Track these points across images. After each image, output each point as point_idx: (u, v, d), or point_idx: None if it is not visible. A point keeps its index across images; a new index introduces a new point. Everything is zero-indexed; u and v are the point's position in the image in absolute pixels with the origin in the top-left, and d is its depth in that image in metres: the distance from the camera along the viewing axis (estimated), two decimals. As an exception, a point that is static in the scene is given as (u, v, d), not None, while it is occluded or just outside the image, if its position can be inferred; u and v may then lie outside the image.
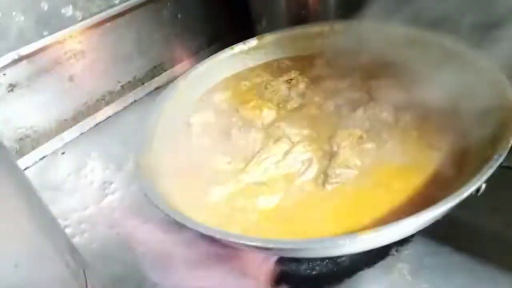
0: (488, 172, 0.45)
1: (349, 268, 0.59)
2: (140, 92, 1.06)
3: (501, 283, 0.54)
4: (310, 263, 0.60)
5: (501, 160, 0.46)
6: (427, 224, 0.46)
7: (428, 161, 0.56)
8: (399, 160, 0.57)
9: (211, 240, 0.48)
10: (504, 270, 0.55)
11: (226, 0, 1.17)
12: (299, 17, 0.95)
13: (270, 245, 0.42)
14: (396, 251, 0.60)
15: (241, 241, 0.43)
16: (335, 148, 0.59)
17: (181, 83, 0.75)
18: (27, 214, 0.35)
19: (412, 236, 0.61)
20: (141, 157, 0.60)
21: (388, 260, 0.59)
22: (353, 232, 0.42)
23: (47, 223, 0.39)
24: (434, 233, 0.61)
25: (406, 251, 0.60)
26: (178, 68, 1.09)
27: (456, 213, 0.61)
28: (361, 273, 0.58)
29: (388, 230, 0.42)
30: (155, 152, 0.63)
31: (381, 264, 0.59)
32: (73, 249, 0.44)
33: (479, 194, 0.47)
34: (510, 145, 0.48)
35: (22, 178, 0.39)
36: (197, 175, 0.62)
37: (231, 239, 0.43)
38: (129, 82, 1.04)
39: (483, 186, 0.47)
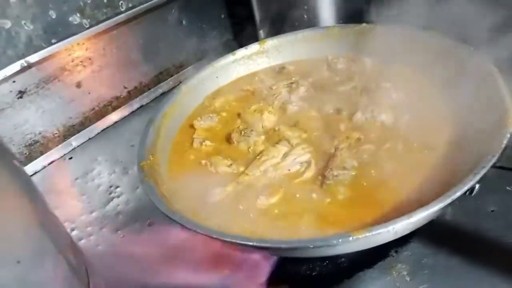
0: (480, 172, 0.45)
1: (349, 269, 0.60)
2: (146, 97, 1.08)
3: (499, 285, 0.54)
4: (310, 264, 0.61)
5: (494, 160, 0.47)
6: (421, 224, 0.47)
7: (424, 162, 0.57)
8: (396, 161, 0.58)
9: (210, 240, 0.49)
10: (502, 272, 0.55)
11: (230, 7, 1.19)
12: (302, 23, 0.97)
13: (265, 245, 0.43)
14: (396, 252, 0.61)
15: (237, 241, 0.44)
16: (333, 150, 0.60)
17: (183, 88, 0.76)
18: (29, 212, 0.37)
19: (412, 237, 0.62)
20: (144, 160, 0.61)
21: (388, 261, 0.60)
22: (349, 231, 0.43)
23: (49, 221, 0.41)
24: (433, 234, 0.61)
25: (406, 252, 0.60)
26: (183, 74, 1.11)
27: (455, 215, 0.63)
28: (360, 273, 0.59)
29: (381, 230, 0.42)
30: (158, 154, 0.65)
31: (380, 264, 0.59)
32: (75, 248, 0.46)
33: (473, 194, 0.47)
34: (503, 146, 0.48)
35: (25, 178, 0.40)
36: (198, 177, 0.63)
37: (227, 239, 0.45)
38: (135, 87, 1.07)
39: (477, 186, 0.47)
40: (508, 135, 0.49)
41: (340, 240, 0.42)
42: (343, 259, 0.61)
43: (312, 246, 0.42)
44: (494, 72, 0.58)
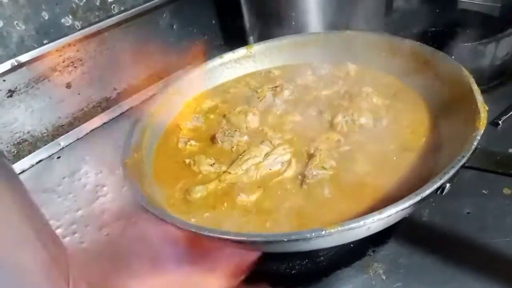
0: (450, 172, 0.47)
1: (327, 267, 0.61)
2: (135, 99, 1.09)
3: (471, 283, 0.55)
4: (290, 263, 0.62)
5: (463, 161, 0.48)
6: (393, 221, 0.48)
7: (402, 163, 0.59)
8: (374, 162, 0.60)
9: (189, 236, 0.50)
10: (475, 271, 0.57)
11: (220, 12, 1.21)
12: (290, 29, 0.99)
13: (240, 238, 0.45)
14: (373, 251, 0.62)
15: (214, 235, 0.45)
16: (312, 151, 0.62)
17: (170, 89, 0.78)
18: (8, 198, 0.38)
19: (389, 237, 0.63)
20: (128, 157, 0.62)
21: (365, 260, 0.61)
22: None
23: (29, 209, 0.42)
24: (410, 235, 0.63)
25: (382, 251, 0.62)
26: (173, 77, 1.13)
27: (432, 217, 0.65)
28: (338, 272, 0.60)
29: (353, 225, 0.44)
30: (142, 153, 0.66)
31: (357, 263, 0.61)
32: (56, 240, 0.47)
33: (444, 193, 0.49)
34: (473, 147, 0.50)
35: (7, 168, 0.41)
36: (182, 175, 0.65)
37: (205, 233, 0.46)
38: (125, 89, 1.08)
39: (448, 186, 0.48)
40: (478, 137, 0.51)
41: (313, 234, 0.43)
42: (322, 257, 0.62)
43: (286, 240, 0.44)
44: (467, 77, 0.60)
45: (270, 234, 0.46)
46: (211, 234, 0.46)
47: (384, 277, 0.58)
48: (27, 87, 0.91)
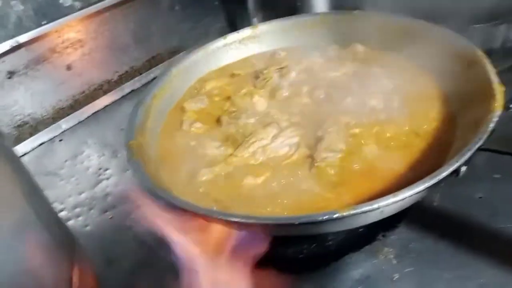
0: (466, 154, 0.45)
1: (336, 252, 0.60)
2: (137, 82, 1.07)
3: (484, 269, 0.54)
4: (298, 247, 0.61)
5: (480, 143, 0.47)
6: (407, 204, 0.47)
7: (414, 146, 0.57)
8: (384, 145, 0.58)
9: (195, 219, 0.49)
10: (487, 257, 0.55)
11: (223, -7, 1.19)
12: (296, 9, 0.96)
13: (250, 221, 0.43)
14: (383, 236, 0.61)
15: (223, 217, 0.44)
16: (321, 133, 0.60)
17: (173, 70, 0.76)
18: (13, 182, 0.36)
19: (399, 222, 0.62)
20: (132, 139, 0.61)
21: (375, 244, 0.60)
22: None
23: (34, 194, 0.41)
24: (421, 220, 0.62)
25: (393, 236, 0.61)
26: (175, 60, 1.11)
27: (443, 202, 0.63)
28: (347, 256, 0.59)
29: (366, 208, 0.43)
30: (146, 135, 0.64)
31: (367, 248, 0.60)
32: (60, 224, 0.46)
33: (459, 176, 0.47)
34: (490, 129, 0.48)
35: (8, 151, 0.40)
36: (187, 158, 0.63)
37: (213, 216, 0.45)
38: (127, 72, 1.06)
39: (463, 169, 0.47)
40: (495, 119, 0.49)
41: (325, 217, 0.42)
42: (330, 242, 0.61)
43: (297, 223, 0.42)
44: (482, 57, 0.58)
45: (281, 217, 0.45)
46: (221, 217, 0.45)
47: (395, 262, 0.57)
48: (26, 68, 0.89)
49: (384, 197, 0.43)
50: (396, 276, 0.55)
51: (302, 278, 0.57)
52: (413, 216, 0.62)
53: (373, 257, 0.59)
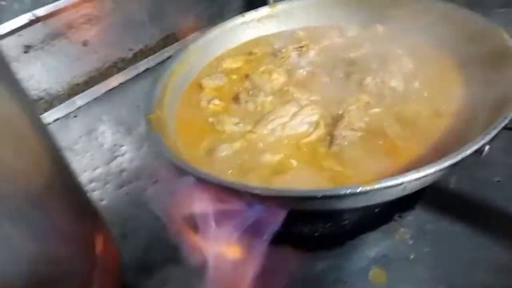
0: (492, 132, 0.45)
1: (352, 231, 0.60)
2: (152, 60, 1.07)
3: (500, 252, 0.54)
4: (313, 225, 0.61)
5: (506, 121, 0.46)
6: (429, 181, 0.46)
7: (434, 127, 0.57)
8: (405, 125, 0.58)
9: (213, 189, 0.49)
10: (503, 240, 0.55)
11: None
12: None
13: (270, 193, 0.43)
14: (399, 217, 0.61)
15: (243, 189, 0.44)
16: (341, 112, 0.60)
17: (191, 47, 0.76)
18: (41, 148, 0.37)
19: (415, 203, 0.62)
20: (151, 113, 0.61)
21: (391, 224, 0.60)
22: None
23: (60, 160, 0.41)
24: (437, 202, 0.62)
25: (409, 217, 0.61)
26: (190, 38, 1.10)
27: (460, 184, 0.63)
28: (363, 236, 0.59)
29: (390, 183, 0.42)
30: (165, 110, 0.64)
31: (383, 228, 0.60)
32: (82, 191, 0.46)
33: (482, 155, 0.47)
34: (515, 109, 0.48)
35: (39, 120, 0.40)
36: (205, 134, 0.63)
37: (235, 187, 0.44)
38: (141, 50, 1.05)
39: (487, 148, 0.47)
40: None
41: (348, 190, 0.42)
42: (346, 221, 0.61)
43: (320, 196, 0.42)
44: (506, 38, 0.57)
45: (303, 190, 0.45)
46: (243, 189, 0.44)
47: (411, 242, 0.57)
48: (43, 43, 0.89)
49: (408, 173, 0.43)
50: (412, 256, 0.55)
51: (318, 256, 0.57)
52: (429, 198, 0.62)
53: (389, 237, 0.58)
